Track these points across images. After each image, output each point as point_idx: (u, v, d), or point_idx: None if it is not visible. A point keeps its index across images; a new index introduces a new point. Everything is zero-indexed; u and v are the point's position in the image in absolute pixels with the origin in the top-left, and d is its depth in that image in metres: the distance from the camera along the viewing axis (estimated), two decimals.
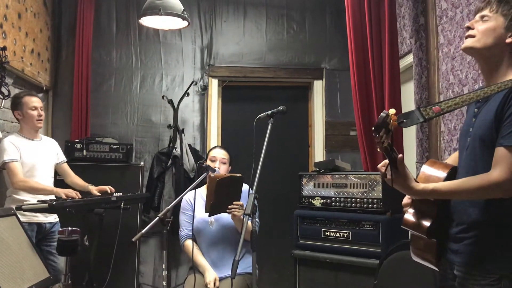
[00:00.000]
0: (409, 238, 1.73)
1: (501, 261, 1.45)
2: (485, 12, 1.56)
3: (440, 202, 1.59)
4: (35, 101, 3.10)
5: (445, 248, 1.62)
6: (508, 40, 1.51)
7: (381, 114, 1.35)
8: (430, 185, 1.53)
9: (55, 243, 3.03)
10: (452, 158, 1.80)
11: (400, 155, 1.50)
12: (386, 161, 1.51)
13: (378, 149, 1.43)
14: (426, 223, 1.57)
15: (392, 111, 1.37)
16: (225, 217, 2.75)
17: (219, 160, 2.93)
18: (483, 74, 1.62)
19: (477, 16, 1.59)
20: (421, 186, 1.53)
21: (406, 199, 1.69)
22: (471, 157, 1.55)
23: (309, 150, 4.66)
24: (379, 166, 1.59)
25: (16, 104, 3.08)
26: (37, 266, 2.31)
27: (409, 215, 1.62)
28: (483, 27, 1.54)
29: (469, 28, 1.59)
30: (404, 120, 1.41)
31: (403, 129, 3.05)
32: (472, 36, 1.57)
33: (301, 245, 3.12)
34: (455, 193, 1.51)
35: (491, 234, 1.49)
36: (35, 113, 3.08)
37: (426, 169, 1.66)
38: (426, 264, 1.68)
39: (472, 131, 1.56)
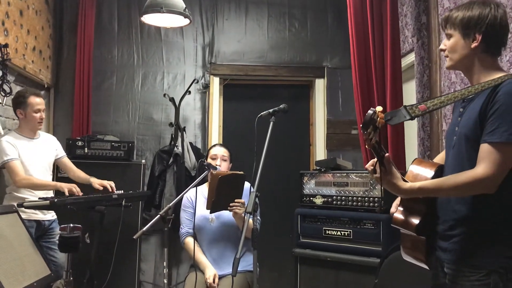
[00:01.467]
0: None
1: (489, 256, 1.47)
2: (447, 30, 1.64)
3: (429, 200, 1.61)
4: (39, 104, 3.10)
5: (434, 246, 1.64)
6: (473, 45, 1.57)
7: (369, 111, 1.40)
8: (417, 184, 1.56)
9: (54, 239, 3.03)
10: (440, 157, 1.83)
11: (387, 154, 1.54)
12: (374, 159, 1.55)
13: (367, 146, 1.47)
14: (415, 221, 1.60)
15: (379, 108, 1.42)
16: (225, 214, 2.75)
17: (219, 157, 2.93)
18: (469, 81, 1.67)
19: (445, 35, 1.66)
20: (407, 184, 1.56)
21: (398, 200, 1.71)
22: (457, 155, 1.58)
23: (310, 149, 4.66)
24: (367, 165, 1.62)
25: (20, 103, 3.07)
26: (38, 263, 2.32)
27: (398, 213, 1.65)
28: (449, 46, 1.63)
29: (442, 50, 1.68)
30: (391, 118, 1.46)
31: (405, 128, 3.06)
32: (447, 56, 1.66)
33: (302, 243, 3.12)
34: (440, 190, 1.54)
35: (478, 230, 1.51)
36: (37, 115, 3.08)
37: (414, 168, 1.68)
38: (416, 263, 1.69)
39: (458, 130, 1.60)
